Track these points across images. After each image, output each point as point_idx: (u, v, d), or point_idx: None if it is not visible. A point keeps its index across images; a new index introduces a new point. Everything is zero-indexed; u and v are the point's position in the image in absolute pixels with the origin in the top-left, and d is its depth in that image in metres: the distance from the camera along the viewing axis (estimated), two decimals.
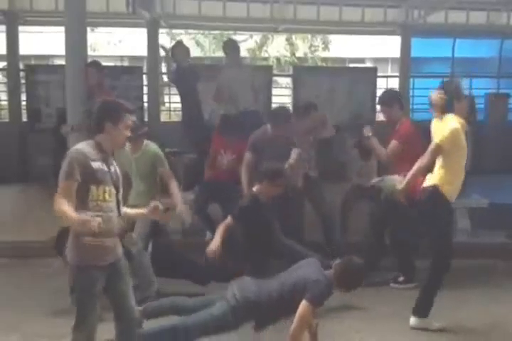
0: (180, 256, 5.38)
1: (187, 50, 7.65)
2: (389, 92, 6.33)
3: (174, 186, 5.11)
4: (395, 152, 5.39)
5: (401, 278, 5.55)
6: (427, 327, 4.58)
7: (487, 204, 6.75)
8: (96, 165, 3.27)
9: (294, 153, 5.83)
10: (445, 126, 4.46)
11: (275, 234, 5.04)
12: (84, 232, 3.12)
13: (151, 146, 5.17)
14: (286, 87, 12.30)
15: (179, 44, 7.89)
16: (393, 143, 5.41)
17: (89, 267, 3.28)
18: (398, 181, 4.97)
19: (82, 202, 3.22)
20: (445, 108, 4.53)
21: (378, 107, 5.63)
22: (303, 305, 3.71)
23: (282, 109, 6.49)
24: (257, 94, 7.56)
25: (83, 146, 3.32)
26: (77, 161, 3.22)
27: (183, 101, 7.80)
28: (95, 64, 6.78)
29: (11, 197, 8.40)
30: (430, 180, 4.59)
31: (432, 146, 4.51)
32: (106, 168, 3.33)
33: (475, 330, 4.63)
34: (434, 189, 4.50)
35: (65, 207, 3.10)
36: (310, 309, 3.72)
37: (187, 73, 7.37)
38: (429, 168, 4.66)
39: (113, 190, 3.36)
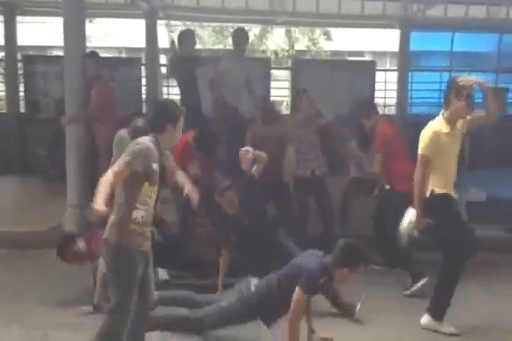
0: (181, 249, 5.38)
1: (194, 38, 7.51)
2: (366, 103, 6.42)
3: (180, 174, 5.09)
4: (382, 163, 5.51)
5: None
6: (439, 329, 4.49)
7: (485, 198, 6.77)
8: (155, 166, 3.41)
9: (291, 150, 5.90)
10: (424, 133, 4.46)
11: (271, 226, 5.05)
12: (128, 221, 3.33)
13: None
14: (283, 80, 12.29)
15: (189, 31, 7.75)
16: (376, 157, 5.55)
17: (135, 251, 3.41)
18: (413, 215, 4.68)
19: (132, 194, 3.36)
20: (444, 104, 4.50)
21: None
22: (296, 291, 3.82)
23: (269, 101, 6.73)
24: (251, 89, 7.40)
25: (150, 144, 3.40)
26: (145, 157, 3.34)
27: (182, 92, 7.74)
28: (93, 55, 6.77)
29: (10, 188, 8.41)
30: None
31: (418, 159, 4.47)
32: (158, 169, 3.45)
33: (474, 324, 4.65)
34: (431, 197, 4.46)
35: (101, 193, 3.16)
36: (303, 295, 3.81)
37: (188, 61, 7.29)
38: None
39: (156, 189, 3.50)
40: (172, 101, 3.83)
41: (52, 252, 5.02)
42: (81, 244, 4.90)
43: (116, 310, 3.44)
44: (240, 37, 7.32)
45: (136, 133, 4.80)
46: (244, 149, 5.00)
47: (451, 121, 4.46)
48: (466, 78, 4.42)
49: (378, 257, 5.82)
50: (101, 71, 6.81)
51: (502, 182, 7.84)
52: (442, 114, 4.50)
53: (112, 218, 3.40)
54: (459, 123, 4.52)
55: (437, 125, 4.46)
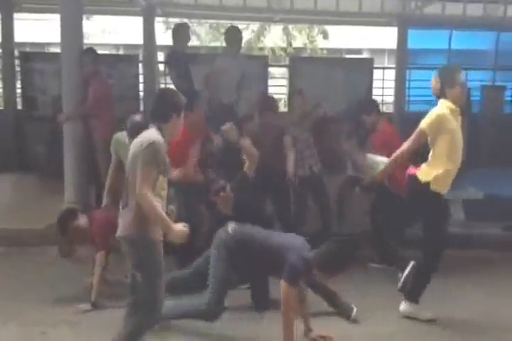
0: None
1: (188, 33, 7.45)
2: (367, 101, 6.48)
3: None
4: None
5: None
6: (417, 315, 4.61)
7: (482, 196, 6.79)
8: (165, 156, 3.41)
9: (288, 140, 5.90)
10: (431, 112, 4.49)
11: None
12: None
13: None
14: (280, 78, 12.30)
15: (183, 25, 7.71)
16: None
17: (159, 244, 3.40)
18: (383, 162, 4.95)
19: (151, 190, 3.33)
20: (439, 93, 4.55)
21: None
22: (282, 284, 3.90)
23: (268, 97, 6.71)
24: (241, 88, 7.40)
25: (159, 137, 3.39)
26: (160, 152, 3.34)
27: (176, 87, 7.69)
28: (91, 52, 6.75)
29: (7, 185, 8.40)
30: (422, 172, 4.54)
31: (416, 130, 4.51)
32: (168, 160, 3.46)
33: (469, 321, 4.67)
34: (425, 184, 4.47)
35: (159, 209, 3.28)
36: (288, 287, 3.88)
37: (182, 56, 7.27)
38: (417, 154, 4.67)
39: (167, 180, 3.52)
40: (175, 90, 3.82)
41: (51, 249, 5.03)
42: (83, 220, 4.85)
43: (151, 309, 3.42)
44: (234, 35, 7.29)
45: (134, 129, 4.82)
46: (228, 125, 4.97)
47: (453, 111, 4.49)
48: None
49: (375, 255, 5.84)
50: (98, 68, 6.80)
51: (499, 181, 7.85)
52: (442, 104, 4.51)
53: (127, 215, 3.39)
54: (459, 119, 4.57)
55: (443, 108, 4.48)
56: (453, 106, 4.49)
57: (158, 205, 3.31)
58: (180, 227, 3.34)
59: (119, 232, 3.44)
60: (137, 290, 3.44)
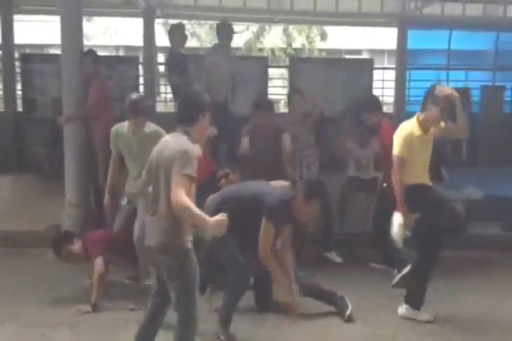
0: None
1: (184, 32, 7.44)
2: (370, 98, 6.41)
3: None
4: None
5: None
6: (415, 317, 4.60)
7: (482, 196, 6.78)
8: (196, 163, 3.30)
9: (286, 139, 5.90)
10: (398, 135, 4.57)
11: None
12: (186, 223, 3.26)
13: (153, 127, 4.98)
14: (279, 78, 12.32)
15: (178, 25, 7.70)
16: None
17: (192, 250, 3.34)
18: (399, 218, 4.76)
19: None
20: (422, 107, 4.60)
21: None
22: (263, 222, 4.13)
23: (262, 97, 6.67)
24: (236, 84, 7.36)
25: (190, 143, 3.28)
26: (194, 159, 3.24)
27: (173, 86, 7.69)
28: (91, 53, 6.76)
29: (7, 186, 8.39)
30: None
31: (394, 160, 4.57)
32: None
33: (469, 321, 4.66)
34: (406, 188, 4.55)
35: (196, 210, 3.15)
36: (268, 225, 4.11)
37: (179, 56, 7.27)
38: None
39: None
40: (201, 91, 3.67)
41: (50, 251, 5.02)
42: (77, 245, 4.90)
43: (191, 321, 3.32)
44: (224, 30, 7.27)
45: (132, 108, 4.85)
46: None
47: (424, 126, 4.54)
48: (442, 89, 4.50)
49: (377, 255, 5.84)
50: (98, 69, 6.80)
51: (499, 181, 7.84)
52: (417, 117, 4.58)
53: (159, 223, 3.28)
54: (432, 128, 4.59)
55: (410, 127, 4.55)
56: (417, 128, 4.51)
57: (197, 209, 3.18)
58: (216, 218, 3.17)
59: (151, 241, 3.33)
60: (174, 303, 3.35)
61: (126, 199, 5.17)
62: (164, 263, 3.31)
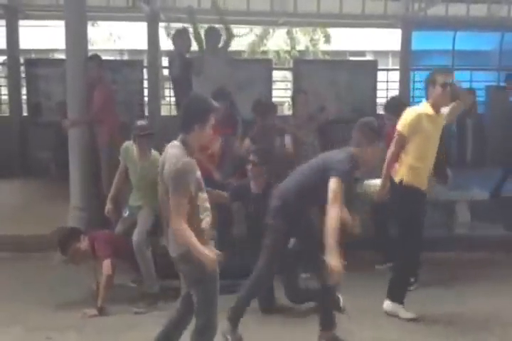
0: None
1: (189, 37, 7.45)
2: (396, 99, 6.39)
3: None
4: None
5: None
6: (398, 314, 4.66)
7: (487, 197, 6.77)
8: (198, 173, 3.32)
9: (288, 139, 5.90)
10: (406, 112, 4.61)
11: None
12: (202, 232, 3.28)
13: (158, 156, 4.91)
14: (283, 81, 12.31)
15: (182, 30, 7.74)
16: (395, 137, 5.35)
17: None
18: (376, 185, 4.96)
19: (194, 208, 3.27)
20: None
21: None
22: (331, 181, 3.86)
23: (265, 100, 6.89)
24: (232, 83, 7.36)
25: (184, 154, 3.24)
26: (189, 172, 3.22)
27: (176, 91, 7.70)
28: (95, 58, 6.79)
29: (12, 191, 8.41)
30: (394, 172, 4.68)
31: (395, 136, 4.63)
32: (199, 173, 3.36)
33: (474, 322, 4.65)
34: (399, 182, 4.61)
35: (193, 238, 3.18)
36: (339, 182, 3.85)
37: (184, 62, 7.30)
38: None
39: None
40: (204, 99, 3.46)
41: (55, 255, 5.04)
42: (84, 243, 4.90)
43: (209, 328, 3.37)
44: (211, 35, 7.32)
45: (140, 132, 4.85)
46: None
47: (434, 106, 4.56)
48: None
49: (379, 256, 5.83)
50: (102, 73, 6.82)
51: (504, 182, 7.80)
52: (427, 101, 4.62)
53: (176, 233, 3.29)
54: (442, 114, 4.61)
55: (421, 108, 4.61)
56: (429, 108, 4.55)
57: (193, 235, 3.19)
58: (212, 255, 3.23)
59: (173, 252, 3.36)
60: (195, 311, 3.38)
61: (127, 212, 5.22)
62: (184, 272, 3.39)
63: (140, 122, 5.21)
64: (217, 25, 7.64)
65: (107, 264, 4.74)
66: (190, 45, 7.46)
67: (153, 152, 5.09)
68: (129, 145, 5.18)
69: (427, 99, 4.62)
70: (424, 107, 4.58)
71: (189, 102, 3.44)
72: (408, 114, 4.57)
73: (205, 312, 3.34)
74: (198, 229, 3.25)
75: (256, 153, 4.95)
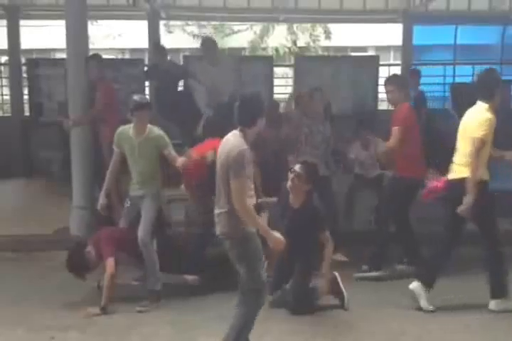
0: (179, 252, 5.33)
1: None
2: (399, 76, 6.53)
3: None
4: (396, 137, 5.25)
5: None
6: (419, 300, 4.69)
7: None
8: (251, 160, 3.65)
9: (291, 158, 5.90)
10: (481, 118, 4.60)
11: None
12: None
13: (155, 130, 5.07)
14: (283, 77, 12.30)
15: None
16: (393, 130, 5.29)
17: (255, 233, 3.68)
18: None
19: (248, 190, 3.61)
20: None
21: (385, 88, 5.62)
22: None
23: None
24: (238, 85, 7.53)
25: (244, 143, 3.59)
26: (248, 159, 3.57)
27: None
28: (96, 57, 6.78)
29: (15, 191, 8.44)
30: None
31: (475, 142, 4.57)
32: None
33: (481, 317, 4.60)
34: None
35: (259, 219, 3.68)
36: None
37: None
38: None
39: None
40: (259, 93, 3.93)
41: (58, 254, 5.04)
42: (90, 255, 4.85)
43: (254, 303, 3.68)
44: (206, 45, 7.57)
45: (137, 105, 4.96)
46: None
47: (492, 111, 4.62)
48: None
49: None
50: (103, 72, 6.81)
51: (507, 176, 7.77)
52: (488, 105, 4.63)
53: (223, 216, 3.64)
54: None
55: (489, 112, 4.61)
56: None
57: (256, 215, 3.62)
58: (279, 236, 3.66)
59: (220, 231, 3.69)
60: (241, 280, 3.69)
61: (129, 202, 5.21)
62: (231, 249, 3.69)
63: (136, 96, 5.17)
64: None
65: (110, 263, 4.73)
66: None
67: (150, 127, 5.07)
68: (124, 129, 5.15)
69: (489, 98, 4.67)
70: (490, 112, 4.63)
71: (251, 98, 3.76)
72: (485, 119, 4.59)
73: (250, 287, 3.65)
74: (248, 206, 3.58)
75: (303, 168, 4.77)
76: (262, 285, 3.69)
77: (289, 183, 4.72)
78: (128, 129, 5.11)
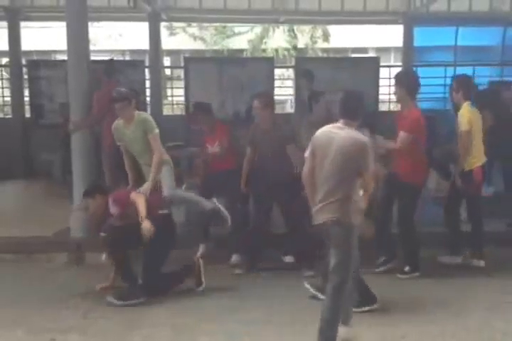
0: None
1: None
2: (408, 73, 6.70)
3: (155, 157, 5.30)
4: (405, 143, 5.28)
5: (407, 268, 5.54)
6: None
7: (492, 192, 6.74)
8: None
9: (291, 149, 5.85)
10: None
11: None
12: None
13: (141, 115, 5.39)
14: (282, 79, 12.30)
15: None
16: (403, 135, 5.29)
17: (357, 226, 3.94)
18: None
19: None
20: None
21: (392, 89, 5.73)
22: None
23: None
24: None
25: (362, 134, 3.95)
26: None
27: None
28: (110, 62, 6.90)
29: (15, 192, 8.44)
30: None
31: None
32: None
33: (480, 320, 4.59)
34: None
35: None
36: None
37: None
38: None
39: None
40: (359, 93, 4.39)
41: (58, 256, 5.04)
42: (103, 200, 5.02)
43: (342, 287, 3.86)
44: None
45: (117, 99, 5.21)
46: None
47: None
48: None
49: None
50: (101, 76, 6.83)
51: (505, 177, 7.77)
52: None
53: (335, 204, 3.86)
54: None
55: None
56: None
57: None
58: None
59: (328, 217, 3.88)
60: (333, 269, 3.88)
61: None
62: (333, 235, 3.89)
63: (116, 90, 5.41)
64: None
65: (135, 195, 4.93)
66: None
67: (138, 113, 5.38)
68: (117, 123, 5.46)
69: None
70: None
71: (356, 95, 4.18)
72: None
73: (343, 270, 3.85)
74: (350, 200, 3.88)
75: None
76: (349, 274, 3.88)
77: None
78: (120, 123, 5.43)
